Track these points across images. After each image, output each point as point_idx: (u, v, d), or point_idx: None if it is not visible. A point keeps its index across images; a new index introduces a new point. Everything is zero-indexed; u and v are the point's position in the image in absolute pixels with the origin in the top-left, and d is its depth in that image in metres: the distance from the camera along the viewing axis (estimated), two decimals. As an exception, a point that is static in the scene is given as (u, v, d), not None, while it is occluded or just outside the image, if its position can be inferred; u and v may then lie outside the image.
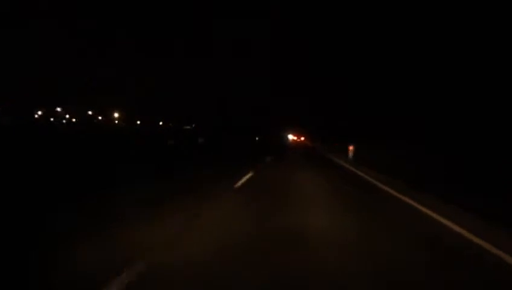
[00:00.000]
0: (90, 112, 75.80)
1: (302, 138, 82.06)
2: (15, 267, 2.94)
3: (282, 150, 33.80)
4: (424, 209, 6.38)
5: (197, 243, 3.72)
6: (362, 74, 28.04)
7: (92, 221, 4.33)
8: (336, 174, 13.58)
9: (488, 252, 4.00)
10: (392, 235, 4.59)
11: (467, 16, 14.04)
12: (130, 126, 67.34)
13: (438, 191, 8.05)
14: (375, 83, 25.30)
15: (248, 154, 22.50)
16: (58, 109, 71.41)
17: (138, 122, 78.34)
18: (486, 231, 4.96)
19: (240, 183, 8.56)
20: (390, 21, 22.03)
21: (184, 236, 3.98)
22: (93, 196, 5.90)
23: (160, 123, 78.70)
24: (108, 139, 25.08)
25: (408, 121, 18.64)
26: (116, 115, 76.05)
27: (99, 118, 77.11)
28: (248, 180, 9.30)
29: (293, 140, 79.22)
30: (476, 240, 4.45)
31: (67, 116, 72.65)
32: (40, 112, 67.53)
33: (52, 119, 65.63)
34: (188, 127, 73.36)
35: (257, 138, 65.10)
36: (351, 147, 21.94)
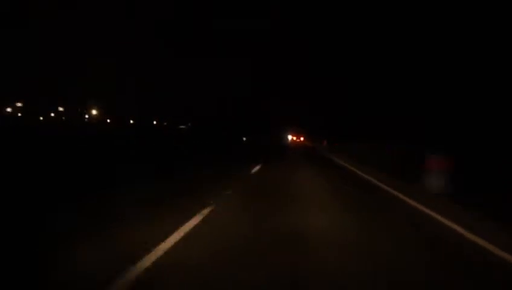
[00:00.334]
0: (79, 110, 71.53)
1: (302, 138, 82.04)
2: (15, 267, 2.94)
3: (281, 150, 33.74)
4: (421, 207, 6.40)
5: (197, 244, 3.72)
6: (362, 74, 28.05)
7: (92, 221, 4.33)
8: (335, 174, 13.60)
9: (492, 253, 4.01)
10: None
11: (466, 16, 14.04)
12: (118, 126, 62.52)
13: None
14: (375, 83, 25.31)
15: (248, 155, 22.50)
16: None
17: (131, 121, 75.95)
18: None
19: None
20: (390, 21, 22.03)
21: (184, 236, 3.98)
22: (93, 196, 5.90)
23: (154, 122, 76.98)
24: (108, 139, 25.05)
25: (408, 121, 18.65)
26: (94, 111, 71.58)
27: (86, 116, 73.35)
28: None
29: (293, 140, 79.15)
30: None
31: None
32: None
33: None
34: (183, 126, 72.44)
35: (244, 139, 55.42)
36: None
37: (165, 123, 75.11)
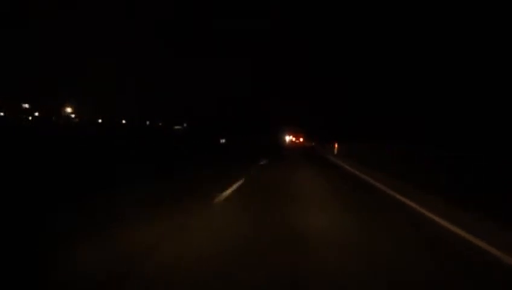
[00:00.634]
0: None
1: (301, 139, 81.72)
2: (15, 267, 2.94)
3: (281, 150, 33.70)
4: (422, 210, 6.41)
5: (197, 244, 3.72)
6: (362, 74, 28.06)
7: (92, 221, 4.33)
8: (335, 173, 13.60)
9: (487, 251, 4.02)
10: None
11: (466, 16, 14.05)
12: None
13: (438, 190, 8.06)
14: (375, 83, 25.31)
15: (248, 154, 22.50)
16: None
17: (123, 121, 74.00)
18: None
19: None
20: (390, 21, 22.04)
21: (184, 236, 3.98)
22: (93, 196, 5.90)
23: (147, 123, 74.99)
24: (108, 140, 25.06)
25: (408, 121, 18.65)
26: (69, 109, 68.70)
27: (73, 116, 71.65)
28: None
29: (292, 141, 78.57)
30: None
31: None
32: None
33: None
34: (179, 127, 71.48)
35: (223, 141, 41.90)
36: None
37: (160, 124, 73.99)
